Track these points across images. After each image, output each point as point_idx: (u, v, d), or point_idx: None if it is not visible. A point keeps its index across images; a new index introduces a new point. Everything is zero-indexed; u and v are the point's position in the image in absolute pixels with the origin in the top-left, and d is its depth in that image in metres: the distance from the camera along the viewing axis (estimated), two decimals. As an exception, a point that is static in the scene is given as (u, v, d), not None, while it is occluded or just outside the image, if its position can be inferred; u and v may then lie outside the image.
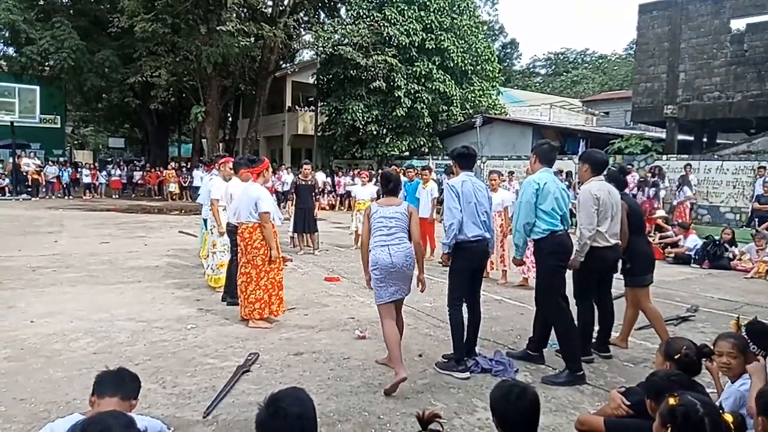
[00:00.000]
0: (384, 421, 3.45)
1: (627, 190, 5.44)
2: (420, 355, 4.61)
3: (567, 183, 14.37)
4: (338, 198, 21.68)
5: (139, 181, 26.98)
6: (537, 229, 4.31)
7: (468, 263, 4.33)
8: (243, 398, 3.71)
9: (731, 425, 2.10)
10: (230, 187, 6.41)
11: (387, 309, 4.10)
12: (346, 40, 22.36)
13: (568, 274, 4.66)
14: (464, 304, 4.40)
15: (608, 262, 4.64)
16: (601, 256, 4.51)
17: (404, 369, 3.89)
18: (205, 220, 7.56)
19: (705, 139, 19.82)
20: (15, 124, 21.84)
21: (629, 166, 15.10)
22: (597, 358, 4.71)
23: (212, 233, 6.94)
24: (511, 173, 15.62)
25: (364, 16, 22.86)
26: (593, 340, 4.82)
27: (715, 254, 9.78)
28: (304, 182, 10.22)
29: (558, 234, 4.30)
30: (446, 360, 4.39)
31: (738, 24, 16.50)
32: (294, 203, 10.15)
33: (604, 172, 4.76)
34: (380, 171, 13.94)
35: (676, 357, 2.67)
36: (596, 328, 4.88)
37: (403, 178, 11.19)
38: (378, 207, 4.20)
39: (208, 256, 7.11)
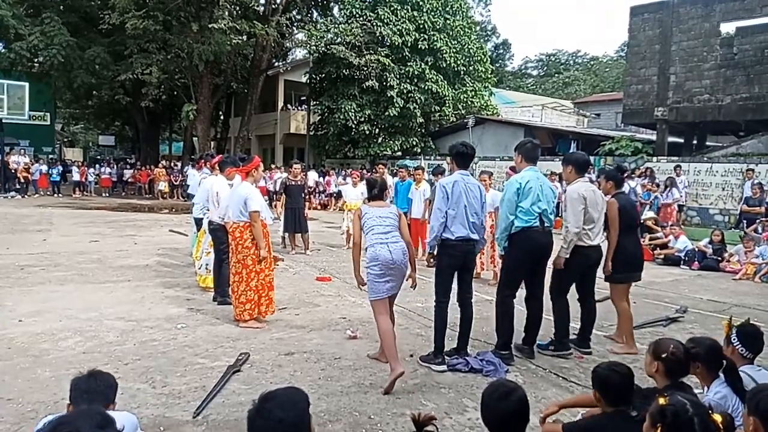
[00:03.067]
0: (375, 421, 3.45)
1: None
2: (411, 355, 4.62)
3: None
4: (328, 198, 21.60)
5: (129, 180, 26.78)
6: (513, 226, 4.53)
7: (453, 261, 4.45)
8: (233, 398, 3.70)
9: (720, 425, 2.11)
10: (215, 186, 6.33)
11: (382, 304, 4.18)
12: (339, 39, 22.35)
13: (548, 272, 4.75)
14: (450, 301, 4.51)
15: (590, 261, 4.83)
16: (584, 255, 4.72)
17: (401, 364, 3.94)
18: (196, 220, 7.49)
19: (695, 142, 19.96)
20: (4, 120, 21.62)
21: (624, 164, 15.13)
22: (588, 358, 4.73)
23: None
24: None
25: (357, 16, 22.86)
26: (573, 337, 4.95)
27: (704, 255, 9.86)
28: (294, 182, 10.13)
29: (530, 229, 4.48)
30: (428, 354, 4.52)
31: (728, 27, 16.65)
32: (283, 203, 10.04)
33: (588, 172, 4.93)
34: (369, 172, 13.89)
35: (663, 356, 2.67)
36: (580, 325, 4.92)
37: (394, 179, 11.20)
38: (369, 209, 4.32)
39: (201, 256, 6.97)
